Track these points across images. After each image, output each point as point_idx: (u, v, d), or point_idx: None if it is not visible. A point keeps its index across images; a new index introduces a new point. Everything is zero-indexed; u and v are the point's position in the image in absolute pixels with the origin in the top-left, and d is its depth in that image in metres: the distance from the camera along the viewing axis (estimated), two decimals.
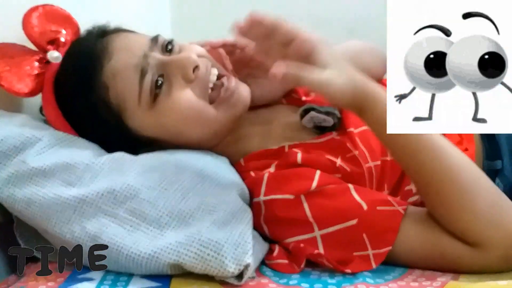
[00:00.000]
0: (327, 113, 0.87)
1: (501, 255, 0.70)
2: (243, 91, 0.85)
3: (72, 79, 0.83)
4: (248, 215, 0.77)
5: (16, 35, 0.89)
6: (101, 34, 0.86)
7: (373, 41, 1.04)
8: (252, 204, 0.82)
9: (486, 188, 0.73)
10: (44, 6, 0.93)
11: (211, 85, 0.84)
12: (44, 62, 0.88)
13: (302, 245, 0.76)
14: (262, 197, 0.81)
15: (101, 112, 0.81)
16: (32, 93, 0.86)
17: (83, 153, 0.79)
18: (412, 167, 0.75)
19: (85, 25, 0.95)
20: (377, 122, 0.73)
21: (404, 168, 0.79)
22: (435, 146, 0.73)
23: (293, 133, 0.89)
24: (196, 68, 0.81)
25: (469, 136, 0.94)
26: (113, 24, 0.89)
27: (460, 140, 0.93)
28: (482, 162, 0.94)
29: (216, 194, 0.77)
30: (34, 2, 0.93)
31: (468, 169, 0.74)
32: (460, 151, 0.76)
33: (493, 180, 0.92)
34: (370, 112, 0.73)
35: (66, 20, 0.95)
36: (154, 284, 0.69)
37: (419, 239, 0.74)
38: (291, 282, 0.71)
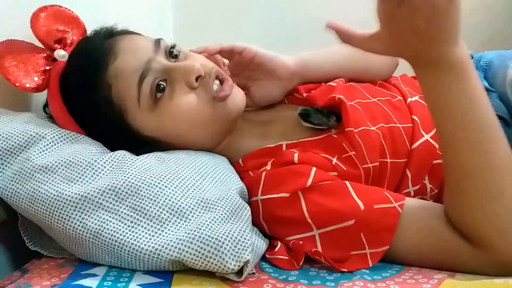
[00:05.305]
0: (325, 114, 0.87)
1: (501, 262, 0.67)
2: (237, 96, 0.86)
3: (78, 76, 0.84)
4: (247, 212, 0.77)
5: (24, 33, 0.90)
6: (108, 35, 0.87)
7: None
8: (250, 203, 0.82)
9: (510, 197, 0.67)
10: (52, 6, 0.94)
11: (214, 93, 0.84)
12: (51, 59, 0.89)
13: (301, 242, 0.77)
14: (259, 196, 0.81)
15: (104, 109, 0.82)
16: (38, 89, 0.87)
17: (86, 151, 0.79)
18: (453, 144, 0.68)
19: (88, 25, 0.96)
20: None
21: (441, 142, 0.70)
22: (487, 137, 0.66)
23: (292, 131, 0.90)
24: (199, 77, 0.83)
25: None
26: (115, 24, 0.90)
27: None
28: None
29: (216, 191, 0.77)
30: (42, 2, 0.94)
31: (506, 172, 0.67)
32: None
33: None
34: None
35: (73, 21, 0.96)
36: (156, 279, 0.70)
37: (419, 234, 0.72)
38: (290, 279, 0.71)
